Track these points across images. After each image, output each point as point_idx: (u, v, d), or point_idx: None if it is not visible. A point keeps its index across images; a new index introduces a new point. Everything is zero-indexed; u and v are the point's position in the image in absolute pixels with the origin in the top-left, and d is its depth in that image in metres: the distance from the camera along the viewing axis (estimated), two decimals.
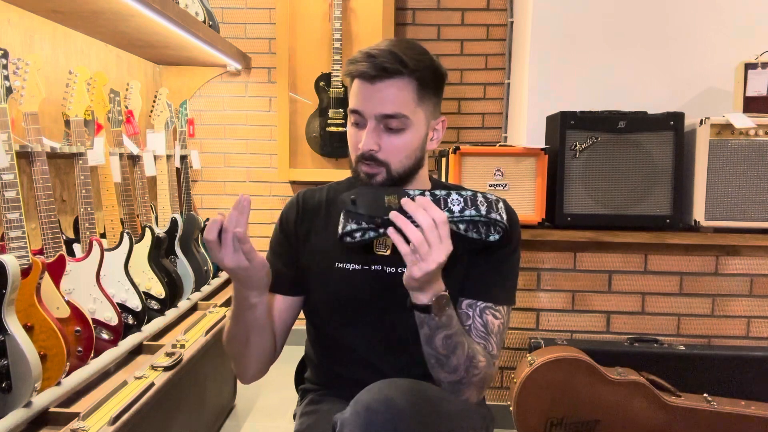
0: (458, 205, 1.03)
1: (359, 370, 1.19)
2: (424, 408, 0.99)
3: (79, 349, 1.70)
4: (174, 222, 2.59)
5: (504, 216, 1.04)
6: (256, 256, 1.07)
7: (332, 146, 3.28)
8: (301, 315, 1.28)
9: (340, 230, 1.04)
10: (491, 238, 1.05)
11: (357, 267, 1.18)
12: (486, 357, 1.12)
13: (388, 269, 1.18)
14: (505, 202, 1.23)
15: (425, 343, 1.08)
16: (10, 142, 1.60)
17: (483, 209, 1.03)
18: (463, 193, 1.05)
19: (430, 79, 1.12)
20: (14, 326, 1.42)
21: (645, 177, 2.10)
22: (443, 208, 1.02)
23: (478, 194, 1.05)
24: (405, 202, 0.99)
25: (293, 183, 3.40)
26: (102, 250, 1.88)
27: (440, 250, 0.98)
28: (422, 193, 1.03)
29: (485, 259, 1.17)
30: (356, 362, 1.20)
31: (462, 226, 1.04)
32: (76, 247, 2.01)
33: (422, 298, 1.03)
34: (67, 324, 1.67)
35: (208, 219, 3.05)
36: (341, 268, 1.19)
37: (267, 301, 1.14)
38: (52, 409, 1.52)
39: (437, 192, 1.04)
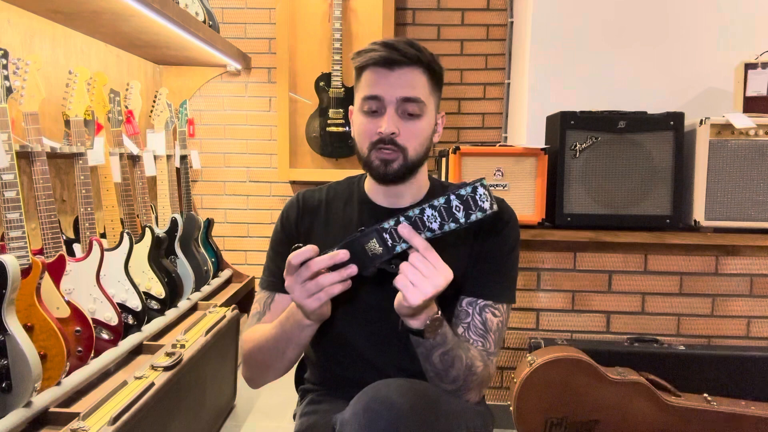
0: (435, 222, 0.98)
1: (358, 369, 1.19)
2: (423, 408, 0.99)
3: (79, 349, 1.70)
4: (174, 222, 2.59)
5: (486, 203, 0.96)
6: (329, 304, 1.05)
7: (332, 146, 3.28)
8: None
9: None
10: (472, 218, 0.99)
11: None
12: (483, 359, 1.13)
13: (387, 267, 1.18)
14: (502, 201, 1.24)
15: (422, 360, 1.08)
16: (10, 142, 1.60)
17: (461, 216, 0.97)
18: (436, 203, 0.97)
19: (437, 72, 1.18)
20: (14, 326, 1.42)
21: (645, 177, 2.10)
22: (423, 228, 0.98)
23: (452, 197, 0.97)
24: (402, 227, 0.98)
25: (293, 183, 3.39)
26: (102, 250, 1.88)
27: (436, 276, 0.96)
28: (397, 221, 0.98)
29: (485, 257, 1.18)
30: (355, 360, 1.20)
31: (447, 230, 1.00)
32: (76, 247, 2.01)
33: (415, 324, 1.03)
34: (67, 324, 1.67)
35: (208, 219, 3.06)
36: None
37: (316, 327, 1.11)
38: (52, 409, 1.53)
39: (411, 213, 0.99)
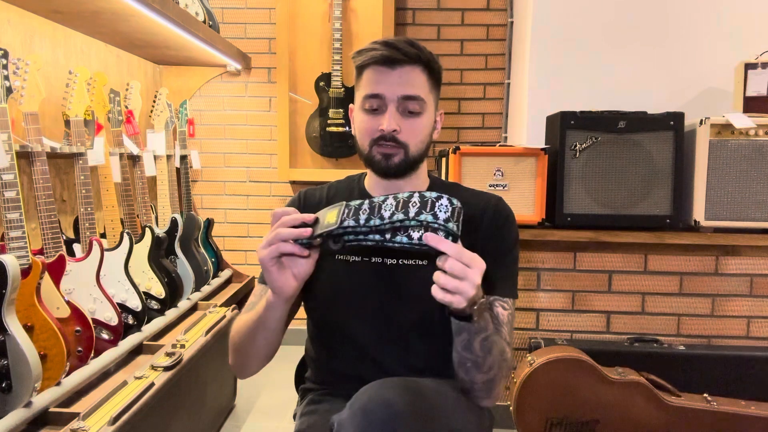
0: (389, 210, 0.96)
1: (359, 365, 1.19)
2: (421, 406, 0.99)
3: (79, 349, 1.70)
4: (174, 222, 2.59)
5: (442, 214, 0.93)
6: (290, 281, 1.06)
7: (332, 146, 3.28)
8: (302, 314, 1.28)
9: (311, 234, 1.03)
10: (420, 217, 0.94)
11: (357, 259, 1.20)
12: (509, 347, 1.16)
13: (389, 261, 1.19)
14: (500, 199, 1.26)
15: (463, 348, 1.07)
16: (10, 142, 1.60)
17: (412, 212, 0.94)
18: (400, 195, 0.97)
19: (436, 70, 1.20)
20: (14, 326, 1.42)
21: (645, 177, 2.10)
22: (376, 214, 0.97)
23: (416, 194, 0.96)
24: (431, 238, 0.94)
25: (293, 183, 3.40)
26: (102, 250, 1.88)
27: (472, 274, 0.94)
28: (361, 203, 0.99)
29: (488, 256, 1.18)
30: (356, 356, 1.20)
31: (397, 239, 0.96)
32: (76, 247, 2.01)
33: (467, 307, 1.01)
34: (67, 324, 1.67)
35: (208, 219, 3.06)
36: (341, 260, 1.21)
37: (282, 310, 1.11)
38: (52, 409, 1.53)
39: (376, 198, 0.99)
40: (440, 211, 0.94)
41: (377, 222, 0.96)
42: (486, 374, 1.09)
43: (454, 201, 0.95)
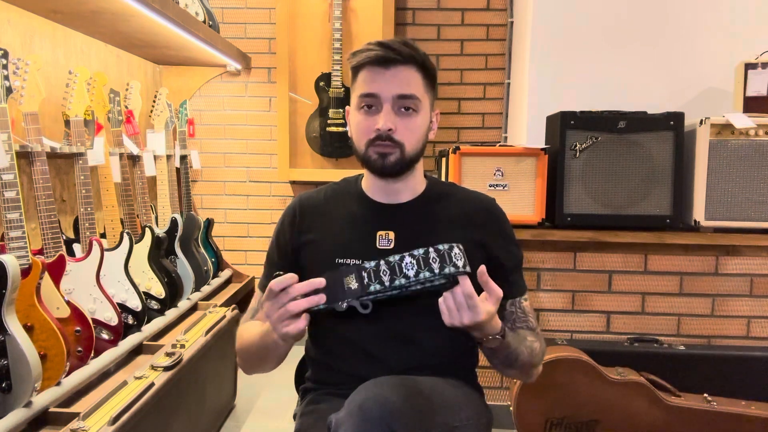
0: (412, 269, 1.05)
1: (362, 364, 1.19)
2: (417, 403, 1.00)
3: (79, 349, 1.70)
4: (174, 222, 2.59)
5: (459, 261, 1.04)
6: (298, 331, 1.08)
7: (332, 146, 3.28)
8: None
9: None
10: (445, 271, 1.06)
11: (357, 261, 1.20)
12: (536, 337, 1.25)
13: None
14: (493, 200, 1.31)
15: (489, 356, 1.19)
16: (10, 142, 1.60)
17: (436, 267, 1.04)
18: (416, 253, 1.05)
19: (431, 71, 1.21)
20: (14, 326, 1.42)
21: (645, 177, 2.09)
22: (399, 274, 1.04)
23: (430, 249, 1.05)
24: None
25: (293, 183, 3.39)
26: (102, 250, 1.88)
27: (466, 314, 1.05)
28: (377, 264, 1.05)
29: (505, 261, 1.26)
30: (358, 356, 1.21)
31: (419, 287, 1.06)
32: (76, 247, 2.01)
33: (473, 334, 1.12)
34: (67, 324, 1.67)
35: (208, 219, 3.06)
36: (341, 263, 1.21)
37: (289, 346, 1.16)
38: (52, 409, 1.53)
39: (391, 259, 1.06)
40: (457, 259, 1.04)
41: (403, 281, 1.04)
42: (519, 369, 1.22)
43: (460, 246, 1.06)
